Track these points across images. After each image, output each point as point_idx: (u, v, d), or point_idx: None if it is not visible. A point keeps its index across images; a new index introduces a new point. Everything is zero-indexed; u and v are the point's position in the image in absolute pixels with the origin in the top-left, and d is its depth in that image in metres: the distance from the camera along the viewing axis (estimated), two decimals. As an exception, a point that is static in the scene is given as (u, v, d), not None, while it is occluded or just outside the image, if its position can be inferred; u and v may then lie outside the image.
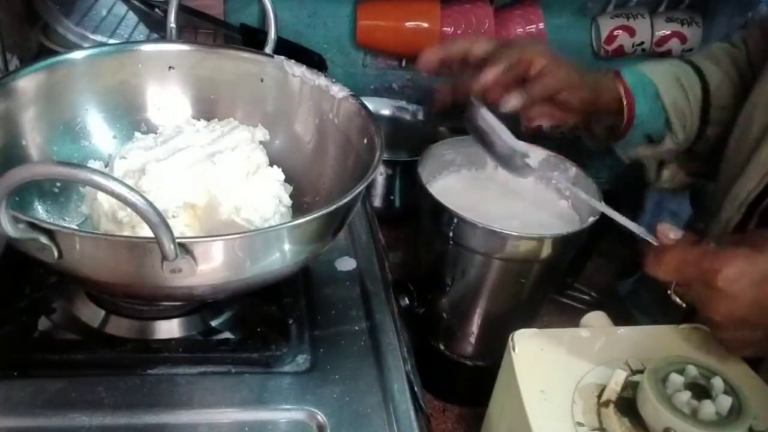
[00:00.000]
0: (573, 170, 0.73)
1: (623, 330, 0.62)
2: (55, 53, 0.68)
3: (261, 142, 0.67)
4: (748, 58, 0.78)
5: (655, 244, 0.56)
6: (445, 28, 1.12)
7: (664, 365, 0.52)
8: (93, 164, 0.65)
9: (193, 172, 0.60)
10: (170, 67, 0.71)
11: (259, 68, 0.70)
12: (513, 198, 0.75)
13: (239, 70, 0.71)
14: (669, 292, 0.55)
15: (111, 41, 0.97)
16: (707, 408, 0.49)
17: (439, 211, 0.66)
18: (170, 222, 0.45)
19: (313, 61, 1.07)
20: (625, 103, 0.73)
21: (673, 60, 0.80)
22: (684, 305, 0.55)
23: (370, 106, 0.66)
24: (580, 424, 0.52)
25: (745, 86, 0.76)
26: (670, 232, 0.55)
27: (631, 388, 0.54)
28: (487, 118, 0.68)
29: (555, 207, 0.74)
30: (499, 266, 0.66)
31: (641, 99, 0.74)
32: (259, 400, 0.53)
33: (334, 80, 0.67)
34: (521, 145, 0.69)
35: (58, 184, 0.64)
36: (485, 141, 0.69)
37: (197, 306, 0.61)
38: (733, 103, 0.75)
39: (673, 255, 0.54)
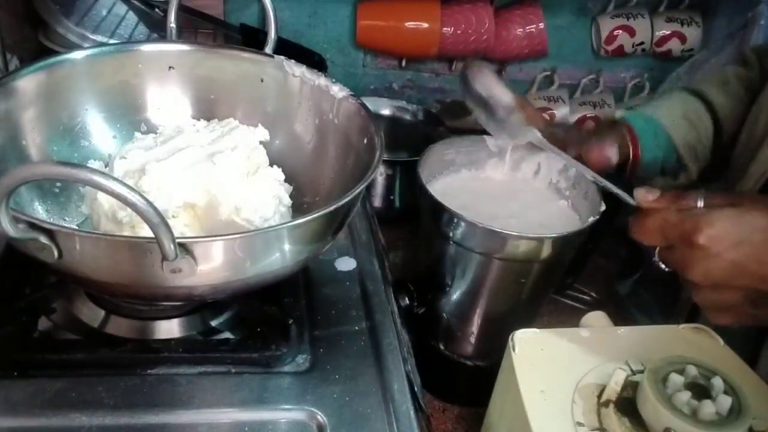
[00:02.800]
0: (573, 170, 0.73)
1: (623, 330, 0.62)
2: (55, 53, 0.68)
3: (261, 142, 0.67)
4: (761, 72, 0.78)
5: (633, 204, 0.56)
6: (445, 28, 1.12)
7: (664, 365, 0.52)
8: (93, 164, 0.65)
9: (193, 172, 0.60)
10: (170, 67, 0.71)
11: (259, 68, 0.70)
12: (513, 198, 0.75)
13: (239, 70, 0.71)
14: (654, 258, 0.55)
15: (111, 41, 0.97)
16: (707, 408, 0.49)
17: (439, 211, 0.66)
18: (170, 222, 0.45)
19: (313, 61, 1.07)
20: (630, 150, 0.73)
21: (681, 93, 0.79)
22: (667, 269, 0.55)
23: (370, 106, 0.66)
24: (580, 424, 0.52)
25: (759, 109, 0.75)
26: (649, 194, 0.55)
27: (631, 388, 0.54)
28: (487, 80, 0.67)
29: (555, 207, 0.74)
30: (499, 266, 0.66)
31: (650, 144, 0.73)
32: (259, 400, 0.53)
33: (334, 80, 0.67)
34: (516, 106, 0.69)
35: (58, 184, 0.64)
36: (483, 105, 0.69)
37: (197, 306, 0.61)
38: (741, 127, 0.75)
39: (655, 218, 0.54)
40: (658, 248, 0.55)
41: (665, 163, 0.75)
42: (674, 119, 0.75)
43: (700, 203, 0.53)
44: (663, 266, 0.55)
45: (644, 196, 0.55)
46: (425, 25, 1.12)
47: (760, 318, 0.53)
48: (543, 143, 0.67)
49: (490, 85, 0.69)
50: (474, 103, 0.70)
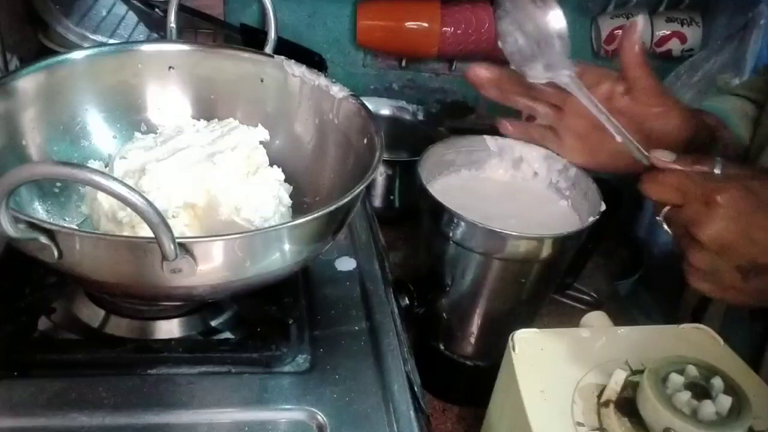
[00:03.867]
0: (573, 170, 0.73)
1: (623, 330, 0.62)
2: (55, 53, 0.68)
3: (261, 142, 0.67)
4: None
5: (647, 164, 0.55)
6: (445, 28, 1.12)
7: (664, 365, 0.52)
8: (93, 164, 0.65)
9: (193, 172, 0.60)
10: (170, 67, 0.71)
11: (259, 68, 0.70)
12: (513, 198, 0.75)
13: (239, 70, 0.71)
14: (657, 217, 0.55)
15: (111, 41, 0.97)
16: (707, 408, 0.49)
17: (439, 211, 0.66)
18: (170, 222, 0.45)
19: (313, 61, 1.07)
20: (721, 130, 0.71)
21: (734, 96, 0.79)
22: (670, 232, 0.54)
23: (370, 106, 0.66)
24: (580, 424, 0.52)
25: None
26: (666, 156, 0.55)
27: (631, 388, 0.54)
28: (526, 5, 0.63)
29: (555, 207, 0.74)
30: (499, 266, 0.66)
31: (734, 122, 0.72)
32: (259, 400, 0.53)
33: (334, 80, 0.67)
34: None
35: (58, 184, 0.64)
36: (518, 25, 0.64)
37: (197, 306, 0.61)
38: None
39: (674, 174, 0.53)
40: (666, 207, 0.54)
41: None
42: (738, 115, 0.74)
43: (717, 170, 0.53)
44: (665, 226, 0.55)
45: (661, 156, 0.55)
46: (425, 25, 1.12)
47: (738, 294, 0.53)
48: (577, 84, 0.62)
49: (533, 12, 0.64)
50: (508, 23, 0.65)
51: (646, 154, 0.56)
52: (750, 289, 0.53)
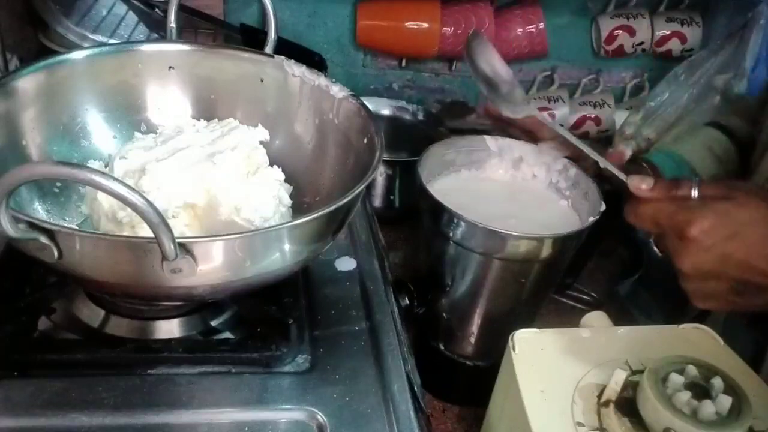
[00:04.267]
0: (573, 170, 0.73)
1: (623, 330, 0.62)
2: (55, 53, 0.68)
3: (261, 142, 0.67)
4: None
5: (624, 180, 0.56)
6: (445, 28, 1.12)
7: (664, 365, 0.52)
8: (93, 164, 0.65)
9: (193, 172, 0.60)
10: (170, 67, 0.71)
11: (259, 68, 0.70)
12: (513, 198, 0.75)
13: (239, 70, 0.71)
14: (650, 240, 0.56)
15: (111, 41, 0.97)
16: (707, 408, 0.49)
17: (439, 211, 0.66)
18: (170, 222, 0.45)
19: (313, 61, 1.07)
20: None
21: (703, 128, 0.80)
22: (661, 254, 0.56)
23: (370, 106, 0.66)
24: (580, 424, 0.52)
25: None
26: (642, 183, 0.55)
27: (631, 388, 0.54)
28: (488, 56, 0.69)
29: (555, 207, 0.74)
30: (499, 266, 0.66)
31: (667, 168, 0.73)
32: (259, 400, 0.53)
33: (334, 80, 0.67)
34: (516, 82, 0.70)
35: (58, 184, 0.64)
36: (487, 79, 0.70)
37: (197, 306, 0.61)
38: None
39: (648, 206, 0.54)
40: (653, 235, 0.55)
41: None
42: (696, 152, 0.75)
43: (695, 193, 0.54)
44: (656, 249, 0.56)
45: (638, 185, 0.55)
46: (425, 25, 1.12)
47: (741, 305, 0.54)
48: (543, 118, 0.70)
49: (492, 60, 0.69)
50: (478, 78, 0.71)
51: (624, 179, 0.57)
52: (750, 303, 0.53)
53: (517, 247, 0.64)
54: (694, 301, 0.55)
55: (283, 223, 0.54)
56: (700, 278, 0.53)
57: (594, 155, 0.62)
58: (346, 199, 0.52)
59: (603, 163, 0.61)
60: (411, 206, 0.96)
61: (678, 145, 0.76)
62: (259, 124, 0.68)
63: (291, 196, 0.65)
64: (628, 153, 0.68)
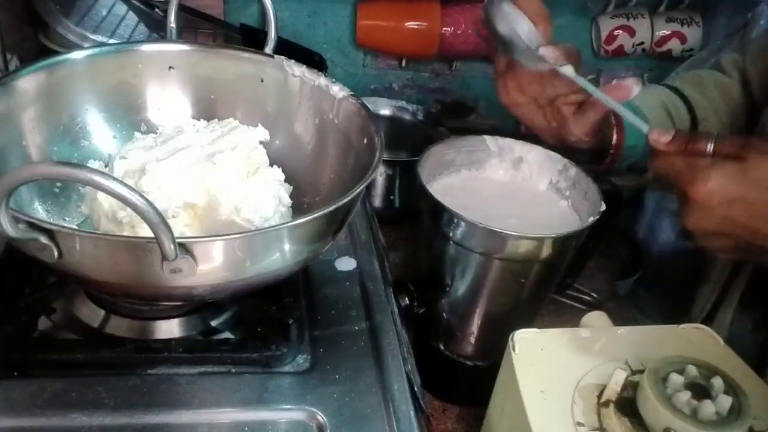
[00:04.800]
0: (573, 170, 0.73)
1: (623, 330, 0.62)
2: (55, 53, 0.68)
3: (261, 142, 0.67)
4: (745, 90, 0.78)
5: (645, 132, 0.56)
6: (445, 28, 1.12)
7: (664, 365, 0.52)
8: (93, 164, 0.65)
9: (193, 172, 0.60)
10: (170, 67, 0.71)
11: (259, 68, 0.70)
12: (513, 198, 0.75)
13: (239, 70, 0.71)
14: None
15: (111, 41, 0.97)
16: (707, 408, 0.49)
17: (439, 211, 0.66)
18: (170, 222, 0.45)
19: (313, 61, 1.07)
20: (615, 133, 0.71)
21: (658, 87, 0.80)
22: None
23: (370, 106, 0.66)
24: (580, 424, 0.52)
25: (735, 116, 0.75)
26: (662, 136, 0.55)
27: (631, 388, 0.54)
28: (509, 19, 0.66)
29: (555, 207, 0.74)
30: (499, 266, 0.66)
31: (632, 128, 0.72)
32: (259, 400, 0.53)
33: (334, 80, 0.67)
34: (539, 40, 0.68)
35: (58, 184, 0.64)
36: (504, 40, 0.67)
37: (197, 306, 0.61)
38: (721, 131, 0.75)
39: (662, 162, 0.55)
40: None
41: (640, 154, 0.74)
42: (653, 107, 0.75)
43: (710, 148, 0.53)
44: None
45: (657, 138, 0.56)
46: (425, 25, 1.12)
47: (750, 259, 0.55)
48: (576, 77, 0.64)
49: (513, 23, 0.67)
50: (501, 43, 0.68)
51: (645, 130, 0.57)
52: (760, 260, 0.54)
53: (517, 247, 0.64)
54: (704, 249, 0.56)
55: (283, 223, 0.54)
56: (704, 236, 0.53)
57: (621, 109, 0.61)
58: (346, 199, 0.52)
59: (628, 115, 0.60)
60: (411, 206, 0.96)
61: (638, 97, 0.76)
62: (259, 124, 0.68)
63: (291, 196, 0.65)
64: (635, 89, 0.63)
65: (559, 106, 0.68)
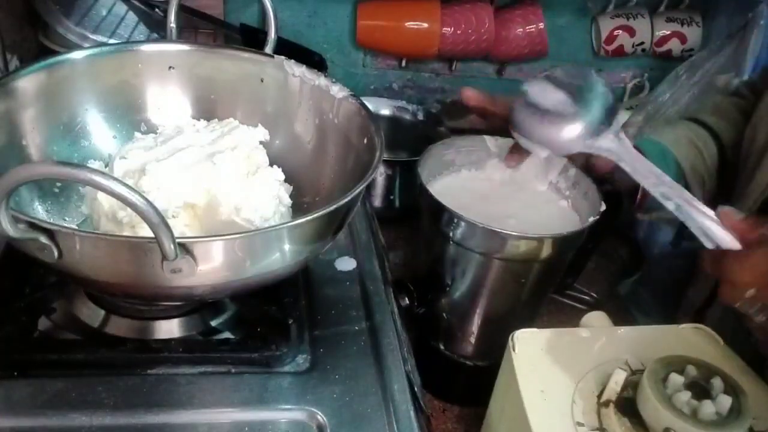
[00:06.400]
0: (573, 170, 0.73)
1: (623, 330, 0.62)
2: (55, 53, 0.68)
3: (261, 142, 0.67)
4: (756, 97, 0.77)
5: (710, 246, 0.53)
6: (445, 28, 1.12)
7: (664, 365, 0.52)
8: (93, 164, 0.65)
9: (193, 172, 0.60)
10: (170, 67, 0.71)
11: (259, 68, 0.70)
12: (513, 198, 0.74)
13: (239, 70, 0.71)
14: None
15: (111, 41, 0.97)
16: (707, 408, 0.49)
17: (439, 211, 0.66)
18: (170, 222, 0.45)
19: (313, 61, 1.07)
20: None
21: (684, 122, 0.79)
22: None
23: (370, 106, 0.66)
24: (580, 424, 0.52)
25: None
26: (733, 214, 0.53)
27: (631, 388, 0.54)
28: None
29: (555, 207, 0.74)
30: (499, 266, 0.66)
31: (659, 167, 0.72)
32: (259, 400, 0.53)
33: (334, 80, 0.67)
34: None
35: (58, 184, 0.64)
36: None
37: (197, 306, 0.61)
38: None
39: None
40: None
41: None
42: (680, 144, 0.74)
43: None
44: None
45: (729, 213, 0.53)
46: (425, 25, 1.12)
47: None
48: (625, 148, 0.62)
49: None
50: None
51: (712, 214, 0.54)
52: None
53: (517, 247, 0.64)
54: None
55: (283, 223, 0.54)
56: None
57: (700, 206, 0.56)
58: (346, 199, 0.52)
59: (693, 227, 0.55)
60: (411, 206, 0.96)
61: (661, 136, 0.75)
62: (259, 124, 0.69)
63: (291, 196, 0.65)
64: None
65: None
